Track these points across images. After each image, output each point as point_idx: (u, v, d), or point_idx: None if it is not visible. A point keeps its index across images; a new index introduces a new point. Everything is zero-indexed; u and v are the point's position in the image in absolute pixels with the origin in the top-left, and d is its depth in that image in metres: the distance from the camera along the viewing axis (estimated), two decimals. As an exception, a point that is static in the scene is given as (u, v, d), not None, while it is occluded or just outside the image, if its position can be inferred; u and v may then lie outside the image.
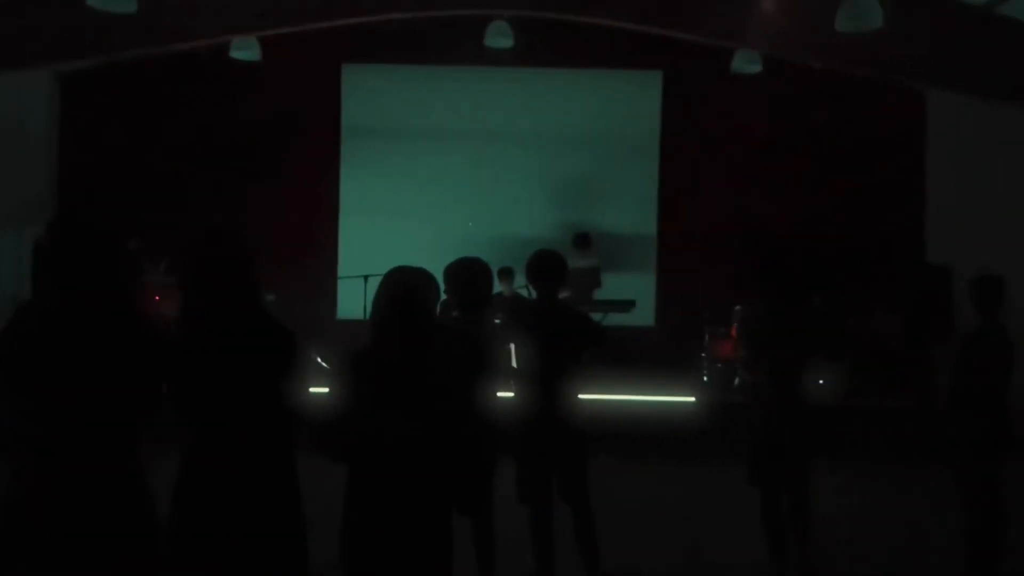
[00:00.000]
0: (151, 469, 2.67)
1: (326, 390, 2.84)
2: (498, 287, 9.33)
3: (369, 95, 10.83)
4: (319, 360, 9.09)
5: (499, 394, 3.94)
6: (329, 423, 2.77)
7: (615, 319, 9.30)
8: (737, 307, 9.12)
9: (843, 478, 6.37)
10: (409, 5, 7.58)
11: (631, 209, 10.87)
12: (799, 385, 4.48)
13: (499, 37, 9.13)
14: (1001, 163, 8.54)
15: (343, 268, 10.56)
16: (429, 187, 10.73)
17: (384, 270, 8.92)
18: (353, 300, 10.00)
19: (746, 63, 9.25)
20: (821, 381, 7.22)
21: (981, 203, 8.61)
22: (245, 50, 9.10)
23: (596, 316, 9.33)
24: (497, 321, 8.67)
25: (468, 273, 4.05)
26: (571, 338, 4.21)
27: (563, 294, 9.43)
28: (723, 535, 5.31)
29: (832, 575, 4.67)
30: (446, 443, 2.82)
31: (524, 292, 9.51)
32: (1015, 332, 4.49)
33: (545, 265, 4.30)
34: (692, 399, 8.30)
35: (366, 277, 9.24)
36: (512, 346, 4.24)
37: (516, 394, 4.23)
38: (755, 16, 7.45)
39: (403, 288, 2.85)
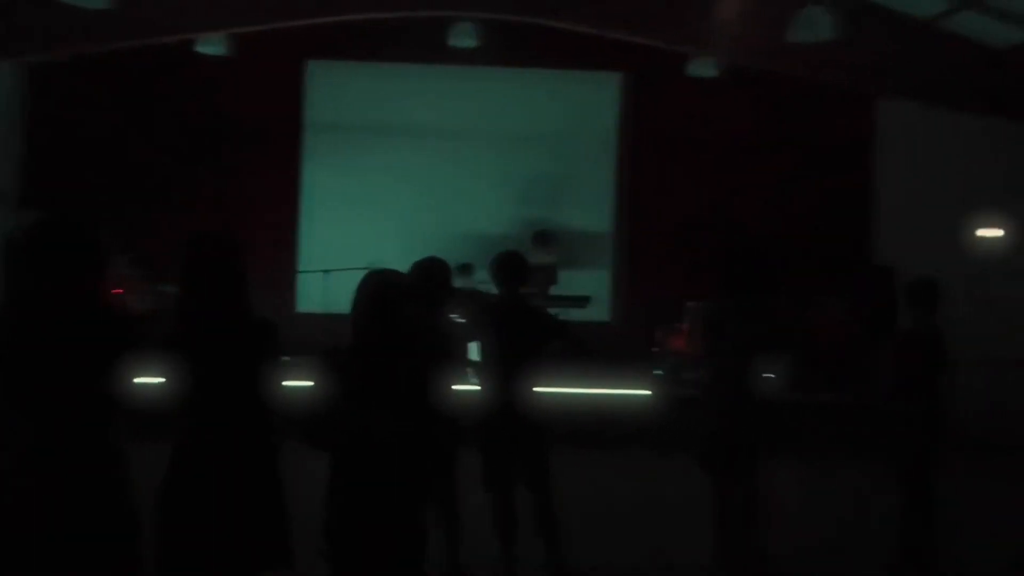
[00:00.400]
0: (138, 459, 2.76)
1: (309, 384, 2.98)
2: (458, 282, 9.51)
3: (333, 92, 10.89)
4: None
5: (460, 387, 4.11)
6: (314, 418, 2.92)
7: (571, 314, 9.54)
8: (689, 303, 9.42)
9: (791, 470, 6.63)
10: (375, 6, 7.68)
11: (589, 207, 11.11)
12: (749, 378, 4.71)
13: (463, 37, 9.29)
14: (945, 168, 8.95)
15: (303, 262, 10.62)
16: (391, 183, 10.85)
17: (344, 265, 9.13)
18: (313, 294, 10.13)
19: (702, 67, 9.53)
20: (772, 375, 7.54)
21: (927, 205, 9.01)
22: (212, 46, 9.13)
23: (552, 312, 9.61)
24: (457, 316, 8.85)
25: (427, 272, 4.23)
26: (533, 333, 4.39)
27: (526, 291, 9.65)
28: (676, 524, 5.53)
29: (778, 565, 4.91)
30: (419, 436, 2.99)
31: (483, 288, 9.68)
32: (958, 327, 4.78)
33: (508, 264, 4.49)
34: (647, 392, 8.56)
35: (325, 272, 9.36)
36: (476, 342, 4.42)
37: (481, 387, 4.40)
38: (713, 24, 7.71)
39: (381, 289, 3.01)
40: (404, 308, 3.01)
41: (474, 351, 4.54)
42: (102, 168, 10.15)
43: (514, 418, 4.34)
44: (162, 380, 2.81)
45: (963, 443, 5.62)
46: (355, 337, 2.99)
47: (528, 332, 4.37)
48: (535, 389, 4.38)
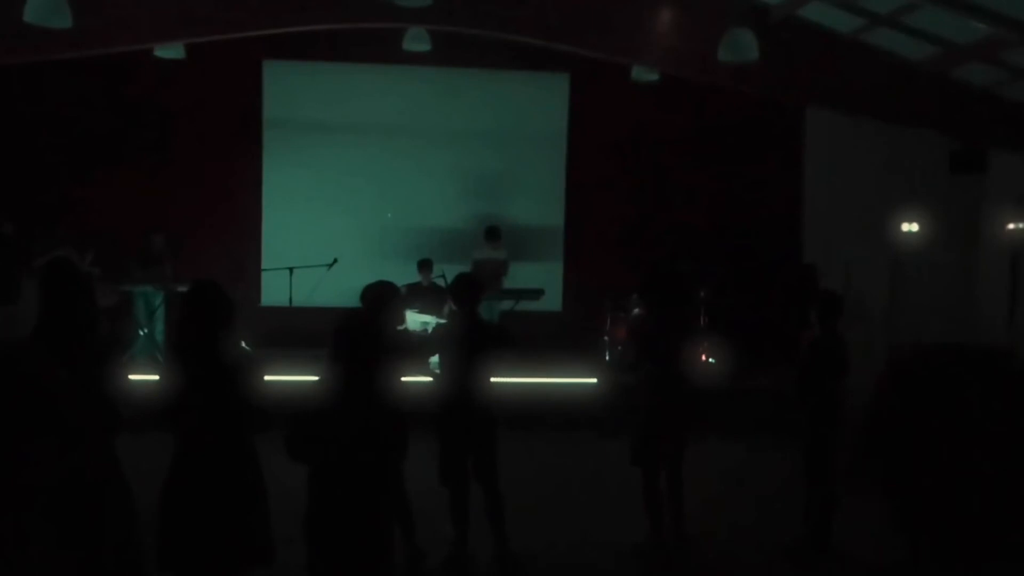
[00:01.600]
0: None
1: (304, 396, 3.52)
2: (417, 277, 10.00)
3: (290, 91, 11.23)
4: (243, 344, 9.63)
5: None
6: (296, 437, 3.46)
7: (525, 306, 10.12)
8: (634, 295, 10.05)
9: (714, 453, 7.23)
10: (328, 19, 8.06)
11: (540, 202, 11.64)
12: (676, 378, 5.33)
13: (417, 41, 9.67)
14: (866, 171, 9.64)
15: (267, 258, 11.00)
16: (348, 180, 11.27)
17: (306, 260, 9.72)
18: (277, 288, 10.48)
19: (645, 72, 10.07)
20: (712, 360, 8.14)
21: (850, 206, 9.71)
22: (170, 49, 9.41)
23: (508, 303, 10.15)
24: (420, 309, 9.32)
25: (379, 296, 4.75)
26: (486, 347, 4.95)
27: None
28: (616, 504, 6.10)
29: (701, 542, 5.53)
30: (384, 437, 3.57)
31: (440, 282, 10.18)
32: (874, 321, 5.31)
33: (464, 288, 5.04)
34: (594, 380, 9.17)
35: (291, 269, 9.76)
36: (437, 355, 4.98)
37: (439, 392, 4.94)
38: (649, 37, 8.24)
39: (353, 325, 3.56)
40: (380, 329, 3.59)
41: (435, 361, 5.07)
42: (55, 170, 10.41)
43: (466, 421, 4.91)
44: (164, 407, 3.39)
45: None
46: (336, 367, 3.49)
47: (482, 346, 4.91)
48: (486, 393, 4.95)
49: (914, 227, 9.64)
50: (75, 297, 3.07)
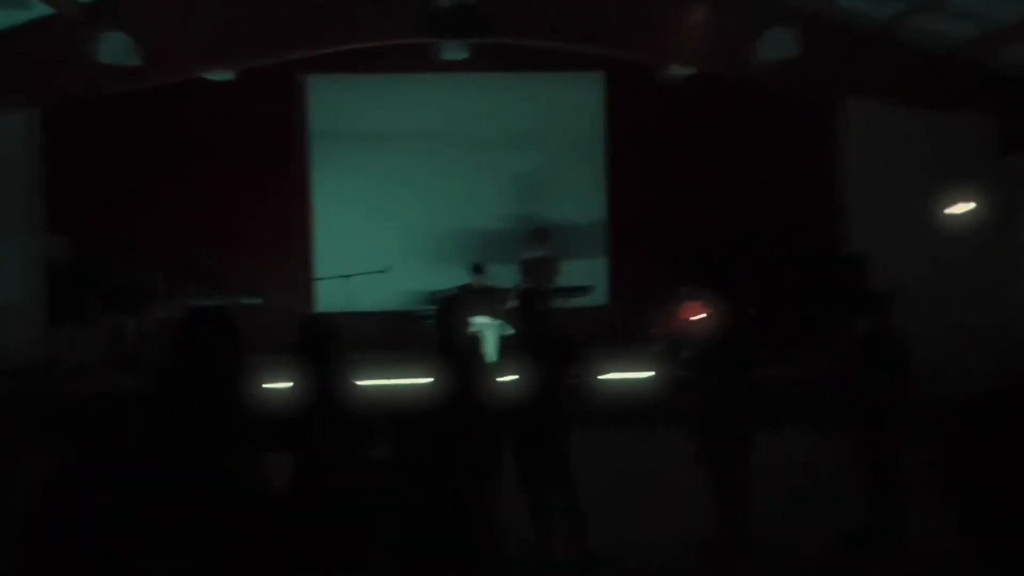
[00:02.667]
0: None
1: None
2: (468, 279, 10.26)
3: (334, 104, 11.50)
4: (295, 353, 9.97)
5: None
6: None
7: (573, 302, 10.31)
8: (683, 288, 10.18)
9: (771, 443, 7.33)
10: (369, 37, 8.31)
11: (582, 200, 11.80)
12: (739, 375, 5.51)
13: (455, 50, 9.89)
14: (908, 161, 9.68)
15: (320, 267, 11.31)
16: (394, 187, 11.53)
17: (358, 268, 10.03)
18: (331, 295, 10.79)
19: (679, 69, 10.18)
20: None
21: (892, 194, 9.76)
22: (219, 73, 9.73)
23: (557, 301, 10.34)
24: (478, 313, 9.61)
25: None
26: (557, 358, 5.17)
27: (527, 284, 10.38)
28: (681, 500, 6.24)
29: (767, 535, 5.67)
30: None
31: (492, 283, 10.43)
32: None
33: (533, 301, 5.27)
34: (650, 374, 9.32)
35: (346, 277, 10.08)
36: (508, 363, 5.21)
37: (514, 400, 5.15)
38: (683, 38, 8.36)
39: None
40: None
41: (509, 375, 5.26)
42: (124, 193, 10.81)
43: (542, 425, 5.14)
44: None
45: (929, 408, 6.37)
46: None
47: (551, 357, 5.14)
48: (559, 403, 5.17)
49: (958, 211, 9.67)
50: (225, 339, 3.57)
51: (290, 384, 3.78)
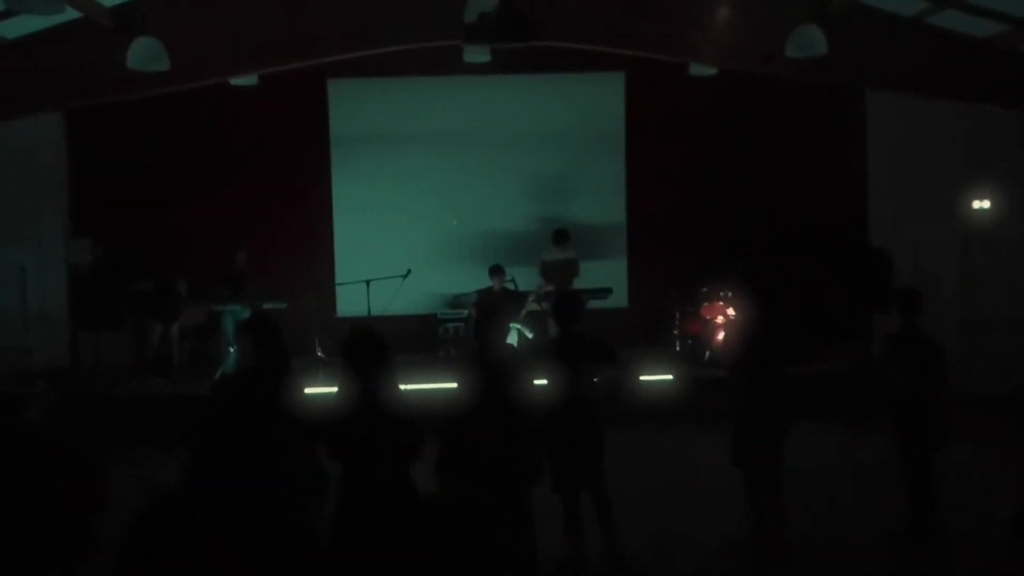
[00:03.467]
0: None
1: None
2: (489, 283, 10.27)
3: (354, 107, 11.54)
4: (320, 354, 10.00)
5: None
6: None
7: (592, 303, 10.27)
8: (704, 289, 10.18)
9: (806, 438, 7.33)
10: (391, 42, 8.30)
11: (601, 201, 11.79)
12: (773, 377, 5.49)
13: (477, 53, 9.88)
14: (933, 153, 9.64)
15: (342, 271, 11.33)
16: (415, 190, 11.56)
17: (379, 271, 9.95)
18: (353, 300, 10.75)
19: (703, 67, 10.14)
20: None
21: (917, 187, 9.71)
22: (243, 79, 9.77)
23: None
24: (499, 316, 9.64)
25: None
26: (590, 360, 5.16)
27: (548, 287, 10.37)
28: (715, 502, 6.26)
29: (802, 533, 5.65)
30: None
31: (511, 286, 10.43)
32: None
33: (568, 305, 5.27)
34: (670, 376, 9.33)
35: (368, 282, 10.05)
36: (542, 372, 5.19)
37: (547, 405, 5.14)
38: (707, 36, 8.32)
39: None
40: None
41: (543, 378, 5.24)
42: (147, 197, 10.88)
43: (574, 430, 5.13)
44: None
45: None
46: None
47: (585, 361, 5.13)
48: (592, 405, 5.17)
49: (985, 204, 9.63)
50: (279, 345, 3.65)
51: (336, 390, 3.76)
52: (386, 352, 3.69)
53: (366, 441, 3.56)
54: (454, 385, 4.68)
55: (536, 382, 5.26)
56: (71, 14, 7.44)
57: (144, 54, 6.77)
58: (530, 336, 9.89)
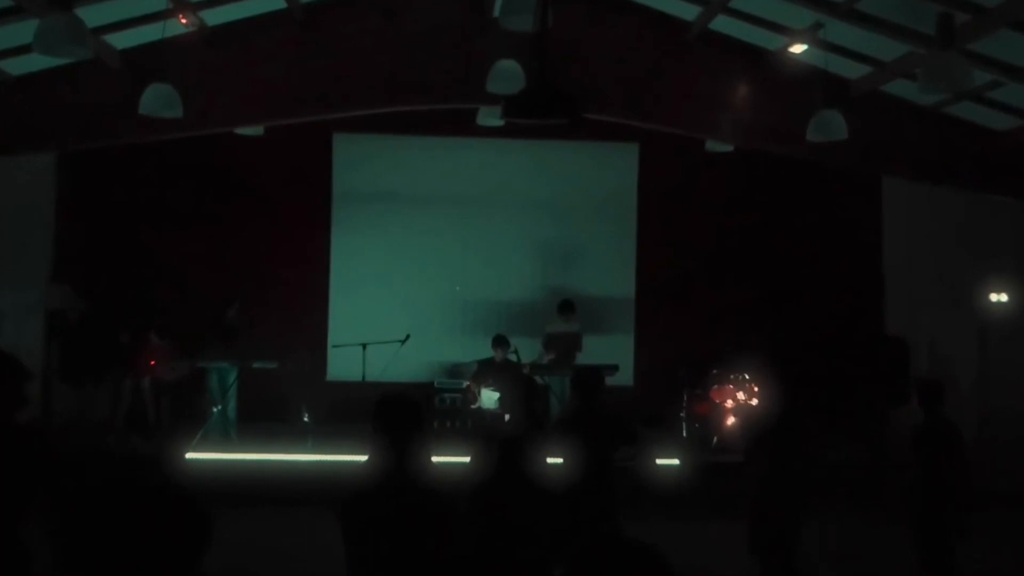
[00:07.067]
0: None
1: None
2: (491, 353, 9.87)
3: (359, 163, 11.28)
4: (305, 417, 9.52)
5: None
6: None
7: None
8: (714, 371, 9.82)
9: (822, 528, 6.95)
10: (400, 103, 8.16)
11: (610, 273, 11.50)
12: (792, 467, 5.18)
13: (490, 117, 9.71)
14: (947, 242, 9.48)
15: (336, 332, 10.91)
16: (417, 251, 11.22)
17: (376, 334, 9.40)
18: (346, 363, 10.27)
19: (719, 143, 10.04)
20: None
21: (933, 277, 9.52)
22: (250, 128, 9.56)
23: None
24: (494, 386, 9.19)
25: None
26: (609, 438, 4.81)
27: (548, 356, 10.01)
28: None
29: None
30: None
31: (513, 358, 10.02)
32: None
33: (585, 379, 4.95)
34: (676, 461, 8.90)
35: (364, 345, 9.64)
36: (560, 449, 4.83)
37: (565, 482, 4.77)
38: (726, 115, 8.23)
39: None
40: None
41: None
42: (132, 246, 10.52)
43: (591, 507, 4.75)
44: None
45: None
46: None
47: (604, 439, 4.77)
48: (607, 478, 4.81)
49: (1003, 297, 9.44)
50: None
51: (367, 458, 3.35)
52: (422, 419, 3.34)
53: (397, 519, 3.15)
54: (467, 460, 4.29)
55: (552, 458, 4.91)
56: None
57: (158, 100, 6.62)
58: (496, 395, 9.47)
